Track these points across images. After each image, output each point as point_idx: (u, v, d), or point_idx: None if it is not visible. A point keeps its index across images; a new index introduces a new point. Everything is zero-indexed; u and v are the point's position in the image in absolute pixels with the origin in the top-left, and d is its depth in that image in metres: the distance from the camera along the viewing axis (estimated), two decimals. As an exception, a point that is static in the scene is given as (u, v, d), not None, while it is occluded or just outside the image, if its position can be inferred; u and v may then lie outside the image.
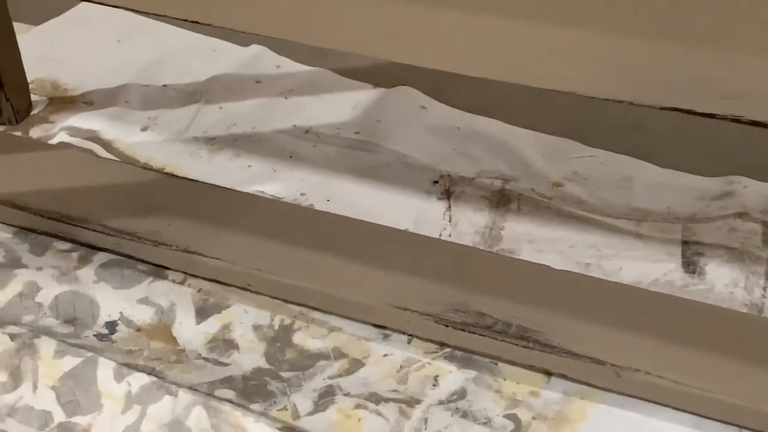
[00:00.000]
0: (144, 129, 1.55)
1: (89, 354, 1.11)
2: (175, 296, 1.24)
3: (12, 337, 1.14)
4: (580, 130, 1.51)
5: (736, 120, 0.66)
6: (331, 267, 1.18)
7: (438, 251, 1.20)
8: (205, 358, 1.17)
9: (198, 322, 1.21)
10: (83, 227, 1.24)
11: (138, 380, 1.08)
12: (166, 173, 1.34)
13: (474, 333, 1.09)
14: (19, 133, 1.52)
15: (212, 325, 1.21)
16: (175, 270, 1.26)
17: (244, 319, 1.22)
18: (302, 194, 1.41)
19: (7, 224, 1.32)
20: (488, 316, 1.09)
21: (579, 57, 0.70)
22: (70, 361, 1.11)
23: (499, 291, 1.12)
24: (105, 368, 1.10)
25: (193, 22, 0.83)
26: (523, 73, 0.72)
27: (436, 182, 1.42)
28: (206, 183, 1.32)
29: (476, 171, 1.44)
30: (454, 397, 1.11)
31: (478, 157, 1.46)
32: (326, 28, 0.82)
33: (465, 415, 1.08)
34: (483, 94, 1.63)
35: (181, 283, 1.26)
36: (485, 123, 1.53)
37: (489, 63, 0.73)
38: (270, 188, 1.42)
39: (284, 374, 1.15)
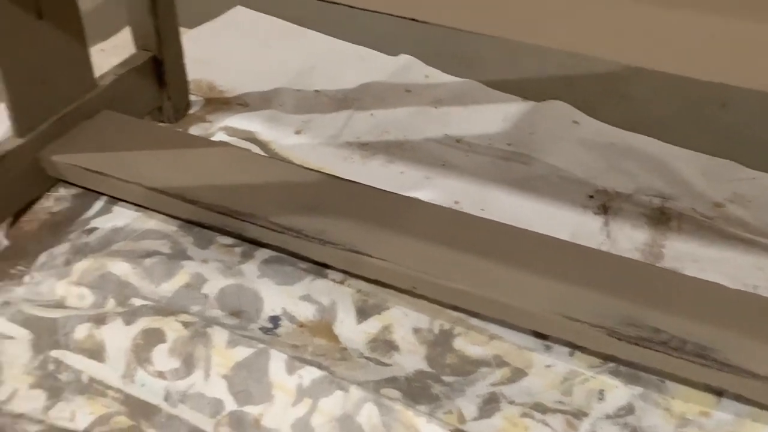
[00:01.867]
0: (298, 132, 1.58)
1: (261, 345, 1.13)
2: (335, 295, 1.25)
3: (185, 324, 1.16)
4: (737, 151, 1.49)
5: None
6: (497, 273, 1.18)
7: (604, 263, 1.19)
8: (367, 358, 1.17)
9: (359, 322, 1.22)
10: (251, 222, 1.26)
11: (310, 374, 1.10)
12: (329, 174, 1.36)
13: (648, 348, 1.07)
14: (179, 130, 1.56)
15: (372, 325, 1.22)
16: (337, 269, 1.27)
17: (404, 322, 1.22)
18: (456, 202, 1.42)
19: (173, 217, 1.35)
20: (663, 332, 1.08)
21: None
22: (242, 352, 1.13)
23: (673, 307, 1.10)
24: (277, 360, 1.11)
25: (411, 19, 0.84)
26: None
27: (591, 197, 1.41)
28: (368, 185, 1.33)
29: (633, 187, 1.42)
30: (622, 412, 1.09)
31: (634, 174, 1.45)
32: (557, 28, 0.81)
33: (634, 431, 1.07)
34: (634, 111, 1.62)
35: (341, 282, 1.27)
36: (640, 140, 1.52)
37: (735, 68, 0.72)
38: (424, 195, 1.42)
39: (446, 378, 1.15)
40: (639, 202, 1.39)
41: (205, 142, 1.46)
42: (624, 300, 1.12)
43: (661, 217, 1.36)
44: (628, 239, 1.33)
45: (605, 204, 1.40)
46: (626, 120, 1.57)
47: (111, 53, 1.73)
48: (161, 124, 1.58)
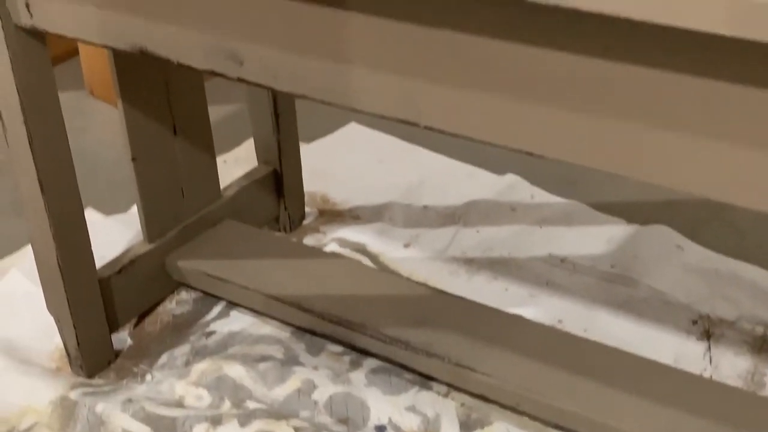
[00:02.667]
0: (406, 245, 1.64)
1: (368, 454, 1.17)
2: (440, 407, 1.29)
3: (297, 429, 1.21)
4: (843, 283, 1.49)
5: None
6: (600, 394, 1.21)
7: (708, 390, 1.21)
8: (470, 472, 1.21)
9: (462, 436, 1.26)
10: (360, 332, 1.32)
11: (415, 484, 1.13)
12: (437, 289, 1.41)
13: (751, 478, 1.08)
14: (294, 240, 1.64)
15: (476, 439, 1.25)
16: (441, 382, 1.31)
17: (507, 438, 1.25)
18: (559, 321, 1.45)
19: (286, 323, 1.41)
20: (767, 462, 1.09)
21: None
22: (350, 459, 1.17)
23: (777, 437, 1.11)
24: (383, 469, 1.15)
25: (528, 153, 0.91)
26: None
27: (695, 322, 1.44)
28: (473, 301, 1.38)
29: (736, 315, 1.44)
30: None
31: (737, 301, 1.47)
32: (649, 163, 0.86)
33: None
34: (738, 238, 1.64)
35: (445, 395, 1.31)
36: (744, 268, 1.54)
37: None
38: (528, 312, 1.46)
39: (548, 497, 1.17)
40: (742, 329, 1.41)
41: (318, 252, 1.53)
42: (727, 428, 1.13)
43: (764, 346, 1.37)
44: (730, 366, 1.35)
45: (708, 330, 1.42)
46: (729, 246, 1.59)
47: (233, 164, 1.84)
48: (278, 233, 1.66)
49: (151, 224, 1.43)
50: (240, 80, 1.04)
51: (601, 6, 0.75)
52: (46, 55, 1.18)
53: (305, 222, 1.71)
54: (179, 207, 1.47)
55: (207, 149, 1.49)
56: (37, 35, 1.15)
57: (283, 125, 1.59)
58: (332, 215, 1.73)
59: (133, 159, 1.38)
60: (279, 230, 1.67)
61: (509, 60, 0.86)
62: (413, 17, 0.90)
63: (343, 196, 1.78)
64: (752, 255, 1.56)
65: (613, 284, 1.53)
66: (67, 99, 2.11)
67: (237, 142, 1.92)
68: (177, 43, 1.04)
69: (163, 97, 1.39)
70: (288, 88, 1.01)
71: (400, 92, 0.95)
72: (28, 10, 1.11)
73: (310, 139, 1.95)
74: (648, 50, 0.79)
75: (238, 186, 1.58)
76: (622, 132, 0.84)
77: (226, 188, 1.57)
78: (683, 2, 0.70)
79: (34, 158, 1.20)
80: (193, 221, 1.49)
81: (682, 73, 0.78)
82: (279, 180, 1.63)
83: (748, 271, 1.53)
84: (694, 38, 0.73)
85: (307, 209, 1.73)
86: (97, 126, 2.03)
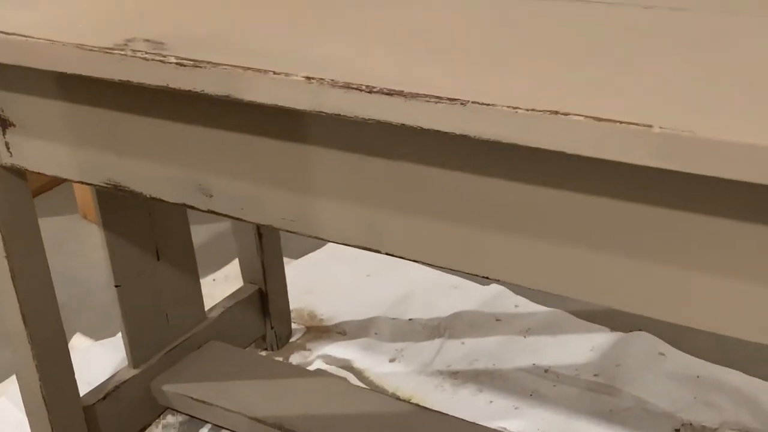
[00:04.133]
0: (392, 360, 1.66)
1: None
2: None
3: None
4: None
5: None
6: None
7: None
8: None
9: None
10: (343, 453, 1.33)
11: None
12: (419, 405, 1.42)
13: None
14: (280, 359, 1.66)
15: None
16: (425, 501, 1.31)
17: None
18: (543, 434, 1.46)
19: (272, 445, 1.42)
20: None
21: None
22: None
23: None
24: None
25: (485, 277, 0.94)
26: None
27: (677, 430, 1.44)
28: (455, 417, 1.39)
29: (719, 421, 1.44)
30: None
31: (720, 408, 1.47)
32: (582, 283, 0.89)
33: None
34: (721, 344, 1.64)
35: None
36: (726, 373, 1.55)
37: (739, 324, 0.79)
38: (512, 425, 1.47)
39: None
40: (725, 436, 1.41)
41: (303, 372, 1.55)
42: None
43: (748, 453, 1.38)
44: (714, 475, 1.35)
45: (691, 438, 1.42)
46: (712, 352, 1.60)
47: (221, 282, 1.87)
48: (263, 352, 1.68)
49: (135, 350, 1.45)
50: (210, 212, 1.07)
51: (539, 142, 0.78)
52: (27, 191, 1.22)
53: (292, 339, 1.72)
54: (164, 331, 1.49)
55: (190, 272, 1.52)
56: (18, 173, 1.19)
57: (266, 245, 1.62)
58: (319, 331, 1.75)
59: (117, 286, 1.40)
60: (266, 348, 1.69)
61: (463, 189, 0.90)
62: (371, 150, 0.94)
63: (331, 312, 1.80)
64: (734, 360, 1.57)
65: (596, 394, 1.53)
66: (60, 222, 2.17)
67: (226, 260, 1.95)
68: (148, 178, 1.08)
69: (145, 224, 1.43)
70: (255, 219, 1.05)
71: (361, 222, 0.99)
72: (8, 150, 1.16)
73: (299, 254, 1.98)
74: (583, 179, 0.82)
75: (223, 307, 1.60)
76: (572, 257, 0.87)
77: (210, 309, 1.60)
78: (612, 139, 0.74)
79: (16, 292, 1.23)
80: (178, 345, 1.51)
81: (614, 199, 0.82)
82: (264, 299, 1.65)
83: (731, 376, 1.54)
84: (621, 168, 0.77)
85: (294, 325, 1.75)
86: (90, 249, 2.07)
